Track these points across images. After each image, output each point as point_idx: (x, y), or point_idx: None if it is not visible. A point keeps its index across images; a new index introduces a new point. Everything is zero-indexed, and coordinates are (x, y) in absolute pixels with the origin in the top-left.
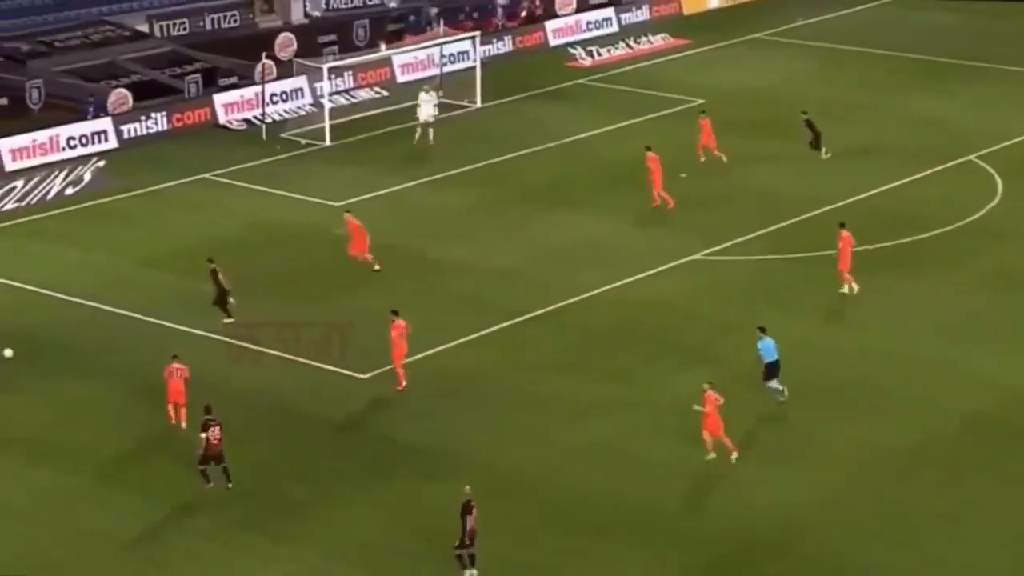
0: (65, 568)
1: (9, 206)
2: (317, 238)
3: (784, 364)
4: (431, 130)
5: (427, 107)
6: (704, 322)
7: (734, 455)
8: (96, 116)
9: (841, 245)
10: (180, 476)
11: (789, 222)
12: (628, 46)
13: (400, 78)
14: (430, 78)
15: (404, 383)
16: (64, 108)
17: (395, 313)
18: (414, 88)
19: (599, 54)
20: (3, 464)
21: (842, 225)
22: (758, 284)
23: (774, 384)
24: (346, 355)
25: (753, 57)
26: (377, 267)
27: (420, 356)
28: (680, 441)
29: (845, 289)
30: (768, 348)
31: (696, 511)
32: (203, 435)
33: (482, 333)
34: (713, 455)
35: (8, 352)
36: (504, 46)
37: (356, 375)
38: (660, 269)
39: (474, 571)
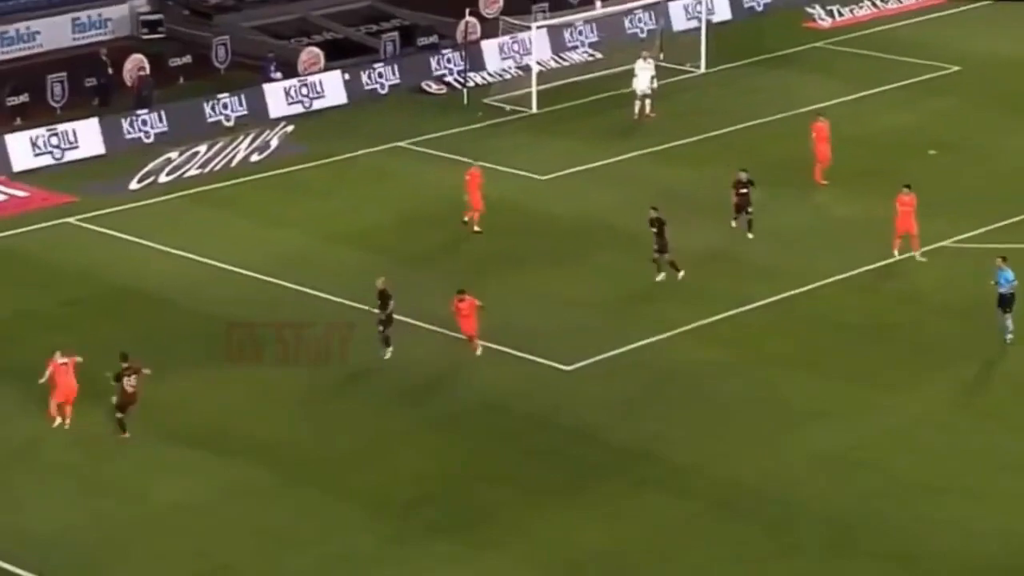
0: (242, 568)
1: (191, 172)
2: (520, 214)
3: None
4: (648, 101)
5: (644, 76)
6: (956, 317)
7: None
8: (279, 77)
9: (900, 209)
10: (366, 474)
11: None
12: (874, 5)
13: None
14: (648, 41)
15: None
16: (251, 68)
17: (462, 292)
18: (631, 50)
19: (841, 14)
20: (183, 456)
21: (907, 187)
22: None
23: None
24: (550, 345)
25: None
26: (465, 219)
27: (631, 347)
28: (928, 456)
29: (896, 254)
30: (1006, 278)
31: (951, 534)
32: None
33: (701, 323)
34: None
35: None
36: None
37: (560, 366)
38: (905, 256)
39: None
